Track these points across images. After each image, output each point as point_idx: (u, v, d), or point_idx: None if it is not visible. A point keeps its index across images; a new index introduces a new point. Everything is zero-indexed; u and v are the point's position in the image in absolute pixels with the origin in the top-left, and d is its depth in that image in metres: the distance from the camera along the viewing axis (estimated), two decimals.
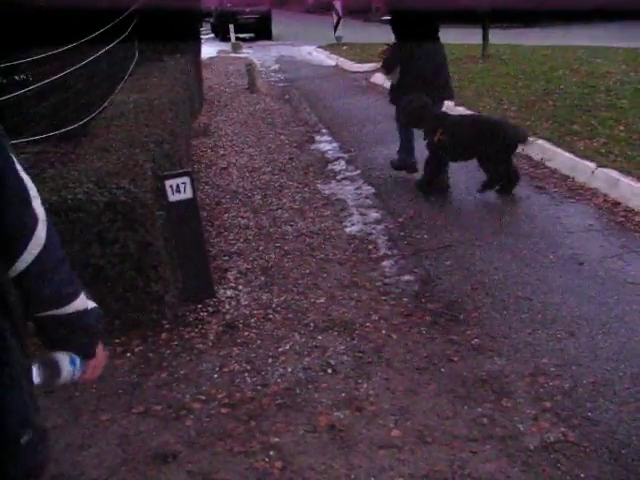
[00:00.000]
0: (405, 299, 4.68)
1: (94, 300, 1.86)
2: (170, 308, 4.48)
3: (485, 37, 15.01)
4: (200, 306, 4.68)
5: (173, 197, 4.51)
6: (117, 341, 4.32)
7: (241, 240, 5.87)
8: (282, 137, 9.75)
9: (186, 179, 4.50)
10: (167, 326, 4.43)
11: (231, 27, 25.16)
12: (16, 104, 7.97)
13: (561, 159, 7.22)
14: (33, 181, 1.64)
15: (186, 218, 4.57)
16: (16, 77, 9.61)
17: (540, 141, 7.73)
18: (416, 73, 6.84)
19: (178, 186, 4.51)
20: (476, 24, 16.46)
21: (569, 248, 5.27)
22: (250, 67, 14.43)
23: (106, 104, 7.59)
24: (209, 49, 24.70)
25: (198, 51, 12.92)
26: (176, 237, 4.61)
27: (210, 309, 4.65)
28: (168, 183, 4.50)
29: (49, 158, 7.71)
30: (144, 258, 4.27)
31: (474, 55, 15.31)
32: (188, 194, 4.53)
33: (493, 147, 6.43)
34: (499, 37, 18.03)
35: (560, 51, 15.67)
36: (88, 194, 4.18)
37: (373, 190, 7.05)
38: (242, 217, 6.43)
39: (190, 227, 4.60)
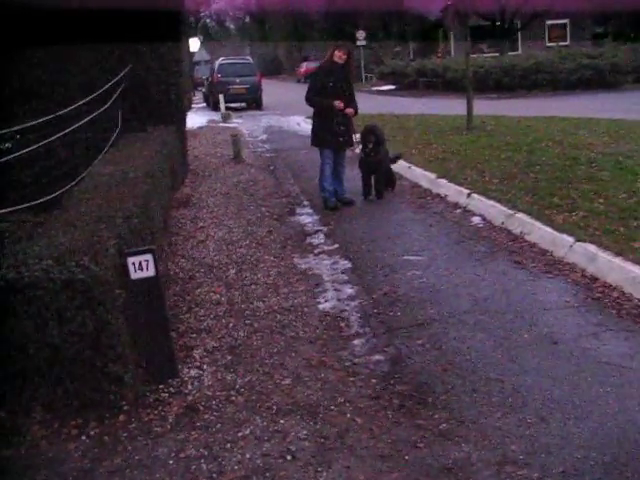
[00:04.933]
0: (373, 380, 4.54)
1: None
2: (130, 389, 4.33)
3: (469, 109, 15.11)
4: (162, 386, 4.53)
5: (135, 275, 4.41)
6: (73, 423, 4.16)
7: (211, 316, 5.74)
8: (263, 209, 9.69)
9: (149, 256, 4.41)
10: (126, 407, 4.27)
11: (221, 97, 25.45)
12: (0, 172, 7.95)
13: (540, 233, 7.16)
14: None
15: (149, 296, 4.46)
16: (1, 146, 9.65)
17: (519, 214, 7.68)
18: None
19: (141, 263, 4.41)
20: (461, 94, 16.67)
21: (544, 326, 5.15)
22: (235, 138, 14.48)
23: (82, 176, 7.54)
24: (200, 118, 24.95)
25: (183, 121, 12.94)
26: (138, 316, 4.49)
27: (172, 390, 4.50)
28: (130, 260, 4.40)
29: (27, 229, 7.66)
30: (102, 338, 4.15)
31: (459, 126, 15.43)
32: (151, 272, 4.42)
33: None
34: (485, 107, 18.24)
35: (544, 122, 15.84)
36: (46, 271, 4.08)
37: (350, 265, 6.95)
38: (214, 292, 6.31)
39: (153, 306, 4.48)
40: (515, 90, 28.63)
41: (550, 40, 43.96)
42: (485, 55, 36.83)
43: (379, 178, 9.79)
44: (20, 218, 7.78)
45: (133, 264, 4.40)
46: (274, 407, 4.24)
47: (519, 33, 42.48)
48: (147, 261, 4.40)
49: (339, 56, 9.19)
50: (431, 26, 48.89)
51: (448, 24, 31.04)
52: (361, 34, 42.18)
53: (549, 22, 43.25)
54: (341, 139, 9.47)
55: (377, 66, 41.17)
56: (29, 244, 4.69)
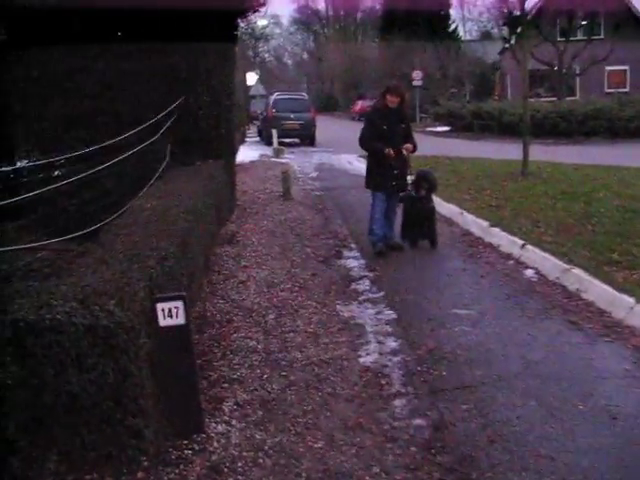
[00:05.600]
0: (413, 448, 4.18)
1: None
2: (150, 444, 4.04)
3: (525, 154, 14.74)
4: (186, 442, 4.23)
5: (164, 322, 4.14)
6: (88, 477, 3.88)
7: (245, 365, 5.44)
8: (308, 250, 9.42)
9: (179, 303, 4.14)
10: (145, 464, 3.97)
11: (274, 132, 25.39)
12: (47, 200, 7.86)
13: (598, 291, 6.75)
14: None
15: (177, 346, 4.18)
16: (53, 173, 9.60)
17: (576, 270, 7.27)
18: None
19: (170, 310, 4.14)
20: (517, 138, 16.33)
21: (602, 397, 4.75)
22: (285, 174, 14.28)
23: (123, 210, 7.36)
24: (252, 152, 24.91)
25: (232, 155, 12.78)
26: (164, 366, 4.21)
27: (196, 446, 4.20)
28: (159, 306, 4.14)
29: (67, 259, 7.53)
30: (123, 389, 3.87)
31: (514, 172, 15.05)
32: (180, 320, 4.15)
33: None
34: (540, 153, 17.82)
35: (602, 171, 15.37)
36: (69, 314, 3.84)
37: (395, 315, 6.61)
38: (251, 338, 6.02)
39: (181, 356, 4.21)
40: (572, 136, 28.09)
41: (609, 86, 43.26)
42: (542, 99, 36.35)
43: (431, 226, 9.38)
44: (63, 247, 7.67)
45: (162, 310, 4.13)
46: (303, 474, 3.91)
47: (577, 78, 41.85)
48: (177, 308, 4.14)
49: (391, 101, 8.93)
50: (488, 68, 48.64)
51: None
52: (417, 74, 42.00)
53: (608, 68, 42.52)
54: (394, 183, 9.13)
55: (432, 107, 40.88)
56: (56, 282, 4.48)
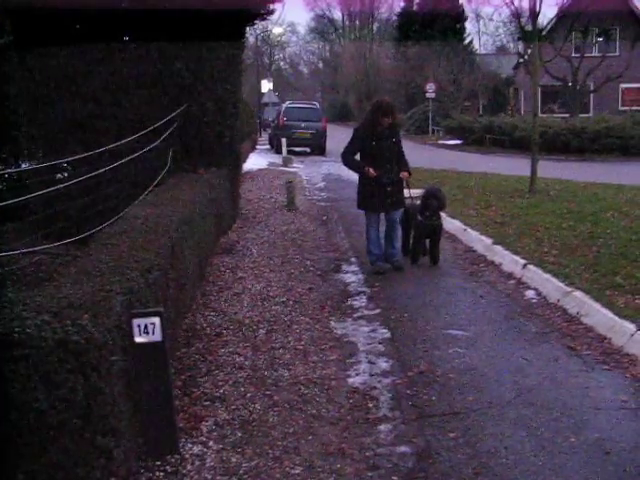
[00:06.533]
0: (395, 478, 4.01)
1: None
2: (121, 464, 3.89)
3: (533, 171, 14.57)
4: (159, 463, 4.07)
5: (139, 338, 3.99)
6: None
7: (230, 382, 5.28)
8: (308, 262, 9.26)
9: (156, 319, 3.99)
10: None
11: (283, 141, 25.34)
12: (48, 202, 7.78)
13: (598, 316, 6.56)
14: None
15: (152, 363, 4.03)
16: (55, 176, 9.52)
17: (577, 293, 7.09)
18: None
19: (146, 326, 3.99)
20: (528, 153, 16.17)
21: (595, 430, 4.55)
22: (290, 184, 14.15)
23: (117, 217, 7.23)
24: (261, 160, 24.86)
25: (236, 163, 12.63)
26: (139, 384, 4.06)
27: (169, 468, 4.04)
28: (136, 322, 3.99)
29: (64, 263, 7.44)
30: (93, 407, 3.72)
31: (521, 189, 14.87)
32: (157, 336, 4.00)
33: None
34: (550, 170, 17.64)
35: (611, 190, 15.16)
36: (39, 328, 3.69)
37: (389, 334, 6.44)
38: (239, 354, 5.86)
39: (156, 374, 4.05)
40: (584, 153, 27.85)
41: (624, 104, 42.95)
42: (555, 115, 36.13)
43: (436, 244, 9.11)
44: (59, 251, 7.57)
45: (138, 326, 3.99)
46: None
47: (591, 95, 41.55)
48: (153, 324, 3.99)
49: (384, 121, 8.52)
50: (502, 82, 48.40)
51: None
52: (430, 86, 41.87)
53: (623, 85, 42.22)
54: (389, 200, 8.71)
55: (445, 119, 40.67)
56: (34, 292, 4.34)
